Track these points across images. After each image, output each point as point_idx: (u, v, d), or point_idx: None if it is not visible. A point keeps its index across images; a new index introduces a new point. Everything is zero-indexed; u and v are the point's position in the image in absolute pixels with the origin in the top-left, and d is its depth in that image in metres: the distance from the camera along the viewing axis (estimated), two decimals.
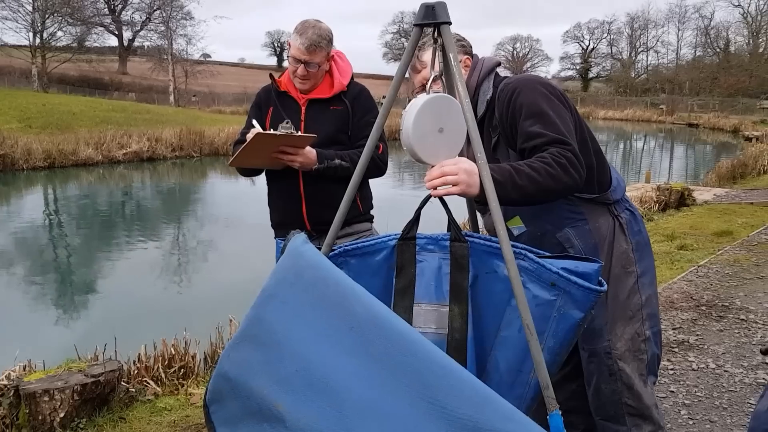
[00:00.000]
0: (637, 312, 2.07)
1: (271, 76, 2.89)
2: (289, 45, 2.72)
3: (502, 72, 2.13)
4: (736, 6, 62.85)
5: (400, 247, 1.71)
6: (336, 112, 2.77)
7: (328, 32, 2.68)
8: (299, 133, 2.62)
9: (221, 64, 75.11)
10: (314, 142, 2.61)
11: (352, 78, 2.83)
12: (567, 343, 1.60)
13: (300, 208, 2.76)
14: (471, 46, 2.13)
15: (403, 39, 75.28)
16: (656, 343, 2.14)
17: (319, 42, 2.63)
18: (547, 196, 1.77)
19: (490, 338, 1.68)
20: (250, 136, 2.52)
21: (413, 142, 1.62)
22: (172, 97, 47.95)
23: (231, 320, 4.70)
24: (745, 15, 62.61)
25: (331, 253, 1.77)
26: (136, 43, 61.39)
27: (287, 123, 2.58)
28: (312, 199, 2.75)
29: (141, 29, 58.90)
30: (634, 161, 26.55)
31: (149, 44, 58.35)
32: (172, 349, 4.16)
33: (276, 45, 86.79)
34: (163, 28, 53.25)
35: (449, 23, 1.61)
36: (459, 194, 1.59)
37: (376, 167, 2.76)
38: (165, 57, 50.85)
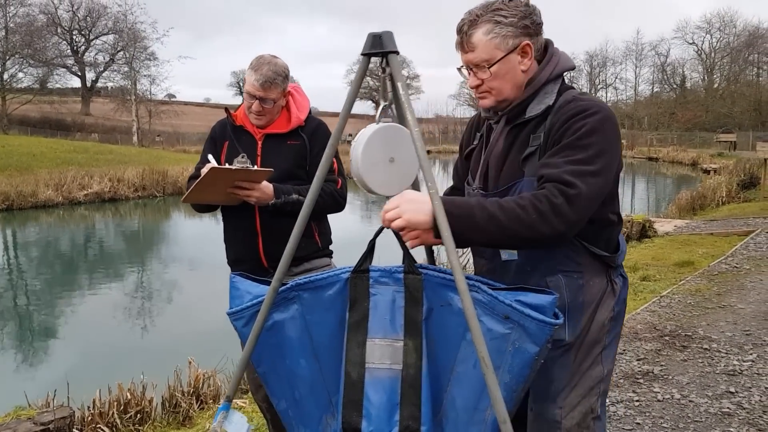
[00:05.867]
0: (596, 385, 1.86)
1: (226, 110, 2.85)
2: (245, 81, 2.69)
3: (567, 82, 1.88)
4: (691, 44, 65.21)
5: (353, 281, 1.67)
6: (293, 146, 2.74)
7: (284, 68, 2.66)
8: (255, 167, 2.57)
9: (186, 103, 74.89)
10: (271, 176, 2.56)
11: (309, 112, 2.81)
12: (524, 378, 1.55)
13: (257, 245, 2.70)
14: (538, 28, 1.76)
15: (368, 78, 76.06)
16: (602, 426, 1.93)
17: (274, 78, 2.61)
18: (518, 244, 1.63)
19: (446, 373, 1.63)
20: (204, 170, 2.47)
21: (362, 172, 1.59)
22: (135, 138, 47.56)
23: (190, 362, 4.57)
24: (699, 52, 64.90)
25: (283, 288, 1.72)
26: (99, 84, 60.96)
27: (243, 157, 2.54)
28: (269, 235, 2.69)
29: (104, 70, 58.58)
30: None
31: (113, 85, 58.04)
32: (128, 394, 4.01)
33: (241, 84, 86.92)
34: (126, 69, 53.07)
35: (396, 52, 1.60)
36: (404, 227, 1.55)
37: (335, 203, 2.73)
38: (129, 98, 50.57)
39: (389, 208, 1.54)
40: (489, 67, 1.73)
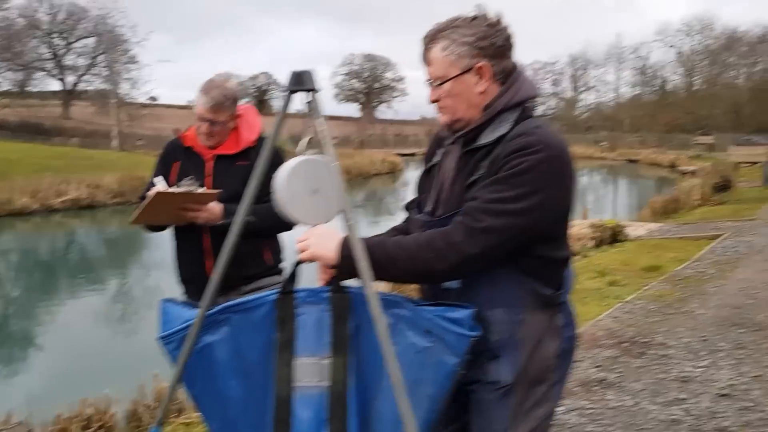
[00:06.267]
0: (538, 425, 1.77)
1: (175, 131, 2.92)
2: (196, 103, 2.75)
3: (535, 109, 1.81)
4: (671, 47, 65.82)
5: (279, 302, 1.74)
6: (243, 167, 2.79)
7: (234, 91, 2.73)
8: (201, 189, 2.63)
9: (169, 106, 74.42)
10: (221, 197, 2.63)
11: (261, 134, 2.87)
12: (445, 390, 1.64)
13: (205, 264, 2.76)
14: (499, 51, 1.70)
15: (354, 80, 76.22)
16: None
17: (223, 102, 2.67)
18: (420, 280, 1.68)
19: (373, 388, 1.71)
20: (150, 194, 2.52)
21: (285, 202, 1.66)
22: (115, 142, 47.23)
23: (155, 376, 4.61)
24: (679, 55, 65.54)
25: (213, 311, 1.79)
26: (79, 88, 60.45)
27: (190, 179, 2.60)
28: (218, 255, 2.75)
29: (84, 74, 58.11)
30: (579, 197, 27.21)
31: (93, 88, 57.56)
32: (91, 409, 4.05)
33: None
34: (107, 72, 52.70)
35: (316, 90, 1.67)
36: (311, 259, 1.63)
37: (283, 223, 2.79)
38: (109, 101, 50.22)
39: (301, 239, 1.63)
40: (442, 84, 1.74)
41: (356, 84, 76.40)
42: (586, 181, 36.67)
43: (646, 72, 69.39)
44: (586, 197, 26.78)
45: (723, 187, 19.16)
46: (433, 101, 1.78)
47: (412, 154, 47.06)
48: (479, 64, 1.69)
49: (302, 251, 1.64)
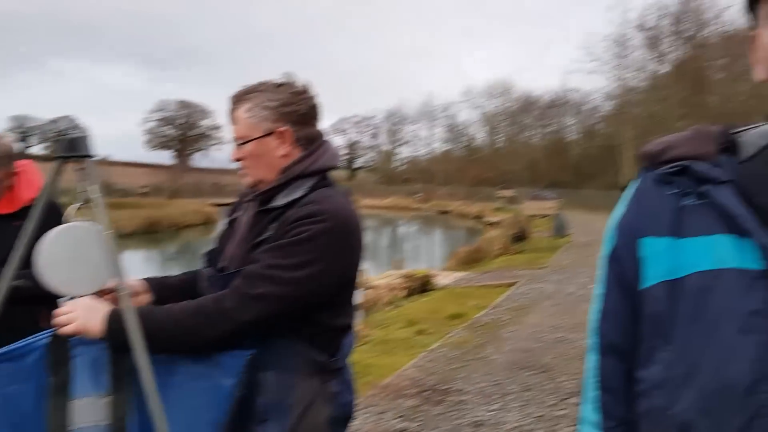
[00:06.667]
0: None
1: None
2: None
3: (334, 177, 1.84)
4: (477, 107, 71.64)
5: (52, 346, 1.68)
6: (19, 228, 2.61)
7: (8, 148, 2.57)
8: None
9: None
10: None
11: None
12: (225, 413, 1.66)
13: None
14: (303, 118, 1.77)
15: (167, 127, 73.69)
16: None
17: None
18: (194, 348, 1.64)
19: (155, 421, 1.70)
20: None
21: (44, 272, 1.60)
22: None
23: None
24: (483, 115, 71.43)
25: None
26: None
27: None
28: None
29: None
30: (396, 247, 28.39)
31: None
32: None
33: (23, 130, 79.62)
34: None
35: (91, 156, 1.64)
36: (75, 333, 1.59)
37: None
38: None
39: (63, 312, 1.58)
40: (244, 144, 1.75)
41: (170, 131, 73.91)
42: (402, 231, 38.35)
43: (455, 129, 74.76)
44: (403, 247, 28.06)
45: (520, 237, 21.00)
46: (236, 160, 1.80)
47: (229, 204, 46.18)
48: (281, 129, 1.73)
49: (65, 324, 1.58)
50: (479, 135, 73.50)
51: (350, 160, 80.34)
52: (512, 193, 47.55)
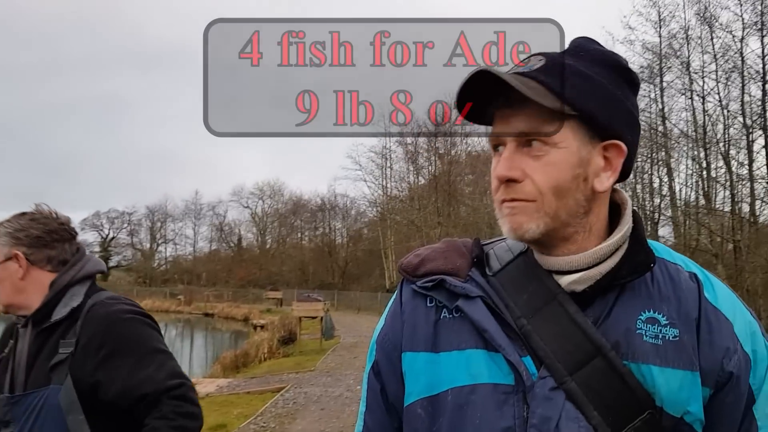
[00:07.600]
0: None
1: None
2: None
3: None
4: (246, 207, 71.49)
5: None
6: None
7: None
8: None
9: None
10: None
11: None
12: None
13: None
14: (36, 241, 1.84)
15: None
16: None
17: None
18: None
19: None
20: None
21: None
22: None
23: None
24: (253, 215, 71.47)
25: None
26: None
27: None
28: None
29: None
30: None
31: None
32: None
33: None
34: None
35: None
36: None
37: None
38: None
39: None
40: None
41: None
42: (164, 335, 35.96)
43: (223, 228, 73.62)
44: None
45: (289, 340, 20.81)
46: None
47: None
48: (15, 252, 1.81)
49: None
50: (248, 235, 73.25)
51: (104, 259, 74.60)
52: (280, 295, 47.39)
